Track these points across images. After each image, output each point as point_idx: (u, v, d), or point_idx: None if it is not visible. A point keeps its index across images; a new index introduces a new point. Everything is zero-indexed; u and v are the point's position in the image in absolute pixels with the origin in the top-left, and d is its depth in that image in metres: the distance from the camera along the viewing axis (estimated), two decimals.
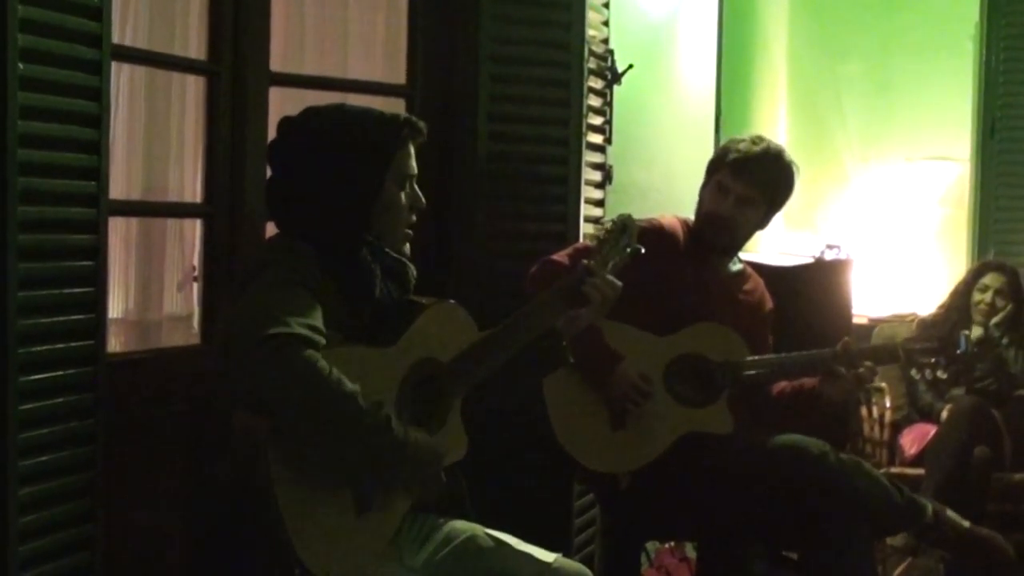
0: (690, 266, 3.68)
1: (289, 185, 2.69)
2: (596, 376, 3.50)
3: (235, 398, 2.40)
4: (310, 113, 2.72)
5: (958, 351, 3.66)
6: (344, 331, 2.54)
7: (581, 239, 3.99)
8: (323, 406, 2.32)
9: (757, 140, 3.77)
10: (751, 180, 3.66)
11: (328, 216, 2.63)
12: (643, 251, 3.10)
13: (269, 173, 2.77)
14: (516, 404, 2.83)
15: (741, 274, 3.85)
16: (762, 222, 3.76)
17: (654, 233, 3.59)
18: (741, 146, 3.72)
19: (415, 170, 2.76)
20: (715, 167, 3.73)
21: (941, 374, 3.69)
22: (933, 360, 3.65)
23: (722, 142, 6.13)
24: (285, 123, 2.74)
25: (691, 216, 3.80)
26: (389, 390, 2.55)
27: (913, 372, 3.91)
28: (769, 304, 3.87)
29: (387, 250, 2.72)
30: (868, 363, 3.52)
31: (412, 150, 2.75)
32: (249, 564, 2.48)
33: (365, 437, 2.38)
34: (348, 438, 2.38)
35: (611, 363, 3.49)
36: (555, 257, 3.57)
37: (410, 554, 2.71)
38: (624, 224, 3.07)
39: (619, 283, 2.88)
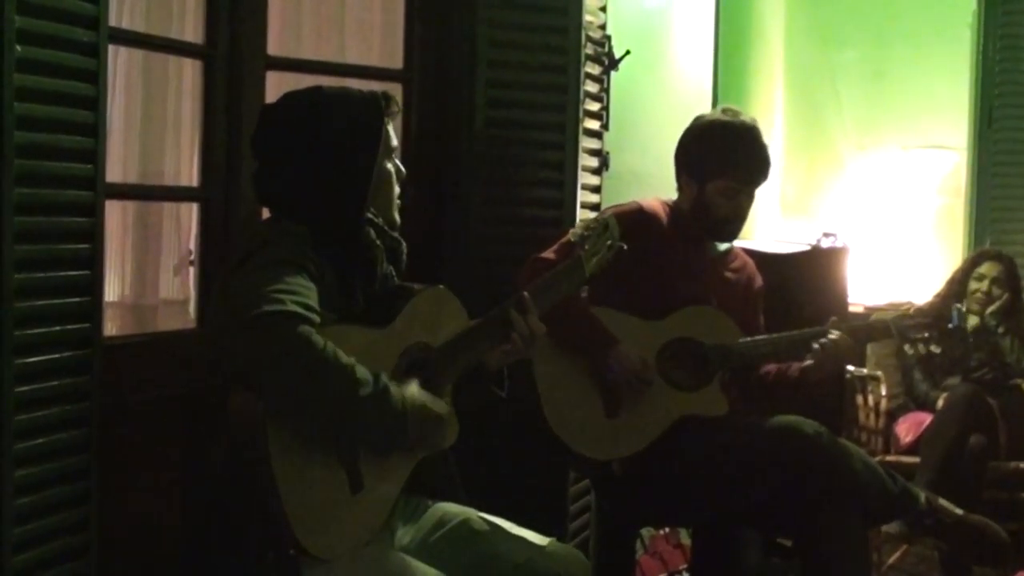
0: (676, 248, 3.68)
1: (282, 172, 2.69)
2: (594, 361, 3.50)
3: (231, 378, 2.39)
4: (291, 98, 2.72)
5: (950, 325, 3.66)
6: (338, 313, 2.54)
7: (577, 224, 3.99)
8: (319, 379, 2.31)
9: (745, 133, 3.69)
10: (763, 177, 3.71)
11: (329, 198, 2.64)
12: (625, 247, 3.12)
13: (256, 164, 2.76)
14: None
15: (728, 253, 3.86)
16: None
17: (636, 216, 3.61)
18: (741, 151, 3.66)
19: (397, 142, 2.79)
20: (711, 172, 3.67)
21: (935, 348, 3.67)
22: (926, 335, 3.64)
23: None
24: (268, 111, 2.74)
25: (671, 197, 3.82)
26: (385, 369, 2.54)
27: (907, 347, 3.90)
28: (759, 282, 3.88)
29: (384, 228, 2.74)
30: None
31: (391, 124, 2.77)
32: (243, 544, 2.48)
33: (364, 408, 2.37)
34: (346, 411, 2.37)
35: (606, 346, 3.49)
36: (543, 255, 3.56)
37: (403, 536, 2.72)
38: (606, 223, 3.11)
39: (543, 327, 2.84)
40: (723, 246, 3.84)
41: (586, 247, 3.04)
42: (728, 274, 3.80)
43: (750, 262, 3.91)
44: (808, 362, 3.56)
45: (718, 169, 3.68)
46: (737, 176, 3.67)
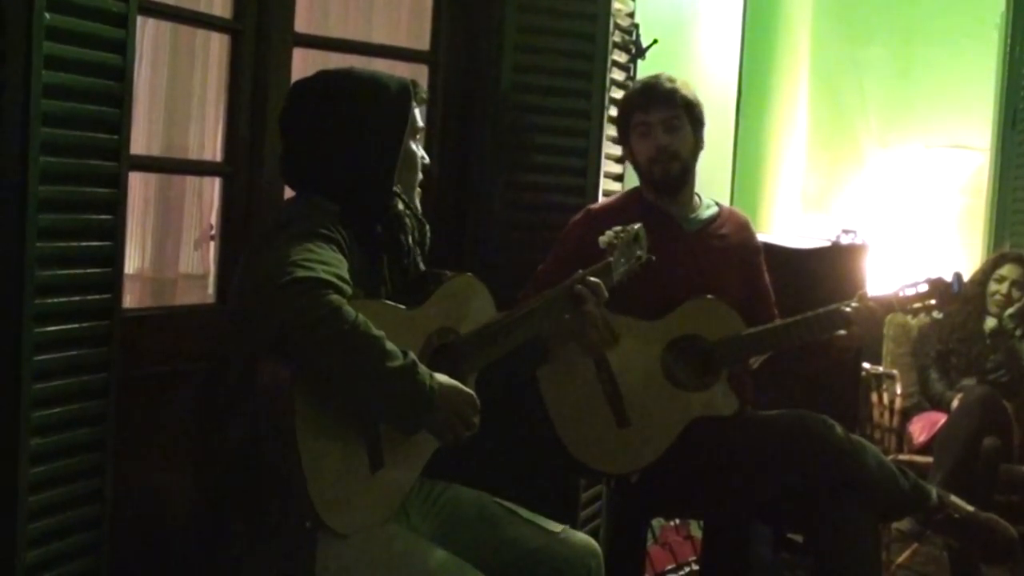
0: (652, 237, 3.43)
1: (310, 150, 2.69)
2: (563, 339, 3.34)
3: (260, 348, 2.39)
4: (323, 75, 2.73)
5: (952, 292, 3.62)
6: (366, 291, 2.54)
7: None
8: (349, 347, 2.30)
9: (638, 81, 3.87)
10: (662, 103, 3.60)
11: (357, 173, 2.65)
12: (654, 259, 3.10)
13: (284, 141, 2.76)
14: (494, 394, 2.82)
15: (713, 221, 3.74)
16: (697, 142, 3.67)
17: (603, 215, 3.54)
18: (630, 91, 3.77)
19: (423, 124, 2.84)
20: (626, 124, 3.69)
21: (937, 315, 3.63)
22: (923, 304, 3.58)
23: (740, 123, 6.18)
24: (301, 86, 2.74)
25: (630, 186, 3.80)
26: (412, 349, 2.54)
27: (909, 318, 3.86)
28: (753, 241, 3.80)
29: (410, 204, 2.77)
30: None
31: (418, 109, 2.81)
32: (261, 516, 2.49)
33: (390, 380, 2.36)
34: (373, 382, 2.36)
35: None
36: (543, 268, 3.58)
37: (418, 518, 2.73)
38: (637, 233, 3.09)
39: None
40: (705, 213, 3.73)
41: (614, 257, 3.04)
42: (715, 242, 3.69)
43: (741, 220, 3.80)
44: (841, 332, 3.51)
45: (625, 116, 3.69)
46: (637, 108, 3.63)
